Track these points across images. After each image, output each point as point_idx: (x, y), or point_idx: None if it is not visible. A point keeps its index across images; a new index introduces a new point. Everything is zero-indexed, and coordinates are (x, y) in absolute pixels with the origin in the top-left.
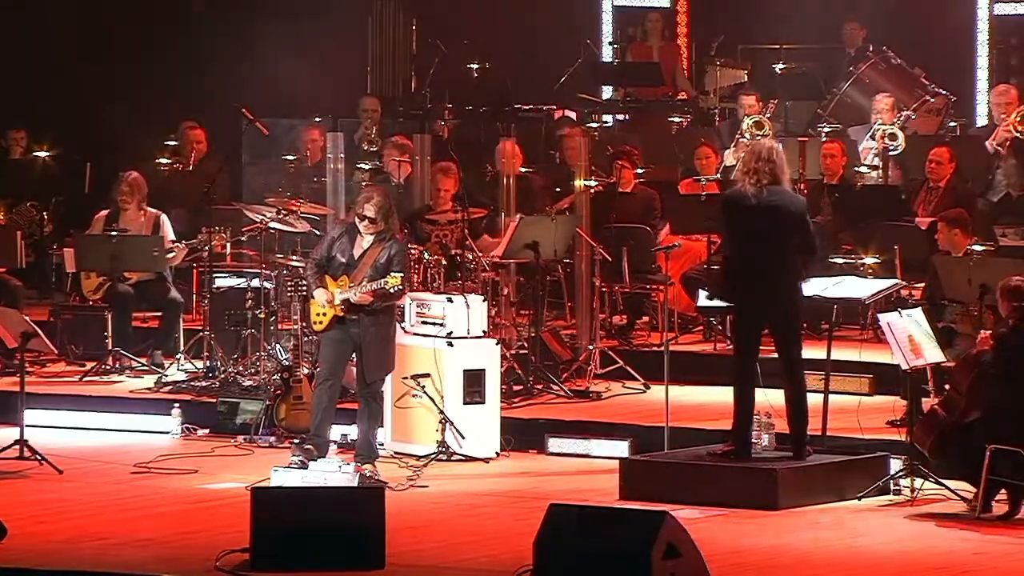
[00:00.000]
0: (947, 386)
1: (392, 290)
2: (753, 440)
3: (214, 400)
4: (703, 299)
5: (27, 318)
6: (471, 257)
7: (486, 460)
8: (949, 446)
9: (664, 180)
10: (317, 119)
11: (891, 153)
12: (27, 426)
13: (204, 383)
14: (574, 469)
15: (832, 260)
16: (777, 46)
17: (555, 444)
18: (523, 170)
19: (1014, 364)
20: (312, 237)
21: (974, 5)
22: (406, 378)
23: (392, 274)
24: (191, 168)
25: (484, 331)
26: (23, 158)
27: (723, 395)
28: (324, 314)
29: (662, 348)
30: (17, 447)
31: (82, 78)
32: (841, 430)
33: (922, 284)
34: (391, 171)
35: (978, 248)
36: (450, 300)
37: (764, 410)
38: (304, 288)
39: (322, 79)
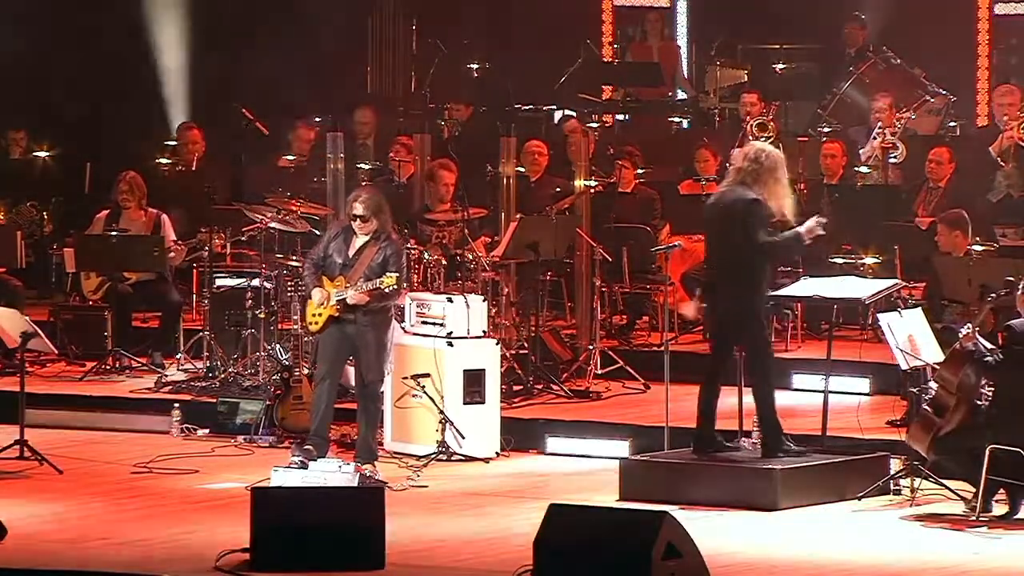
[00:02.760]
0: (934, 384)
1: (387, 290)
2: (754, 440)
3: (214, 400)
4: None
5: (27, 318)
6: (471, 257)
7: (486, 460)
8: (948, 445)
9: (664, 180)
10: (317, 119)
11: (891, 161)
12: (27, 426)
13: (204, 383)
14: (574, 469)
15: (832, 260)
16: (777, 46)
17: (555, 444)
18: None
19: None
20: (312, 237)
21: (974, 5)
22: (406, 378)
23: (388, 274)
24: (191, 168)
25: (484, 331)
26: (23, 158)
27: (723, 395)
28: (320, 314)
29: (662, 348)
30: (17, 447)
31: (82, 78)
32: (841, 430)
33: (922, 284)
34: (394, 168)
35: (978, 248)
36: (450, 300)
37: None
38: (304, 288)
39: (322, 79)
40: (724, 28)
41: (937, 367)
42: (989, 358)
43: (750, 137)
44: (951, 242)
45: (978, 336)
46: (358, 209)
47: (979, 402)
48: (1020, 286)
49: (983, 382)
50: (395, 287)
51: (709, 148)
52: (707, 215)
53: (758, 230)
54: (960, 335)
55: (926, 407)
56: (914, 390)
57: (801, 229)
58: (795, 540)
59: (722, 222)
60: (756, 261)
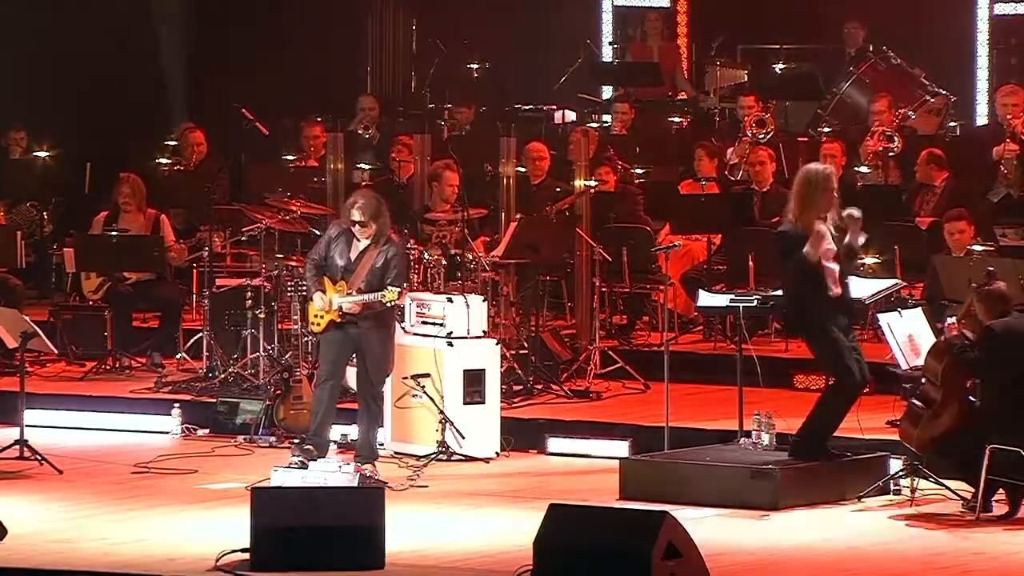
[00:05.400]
0: (923, 379)
1: (388, 303)
2: (753, 440)
3: (214, 400)
4: (703, 299)
5: (27, 318)
6: (471, 257)
7: (486, 460)
8: (946, 447)
9: (664, 180)
10: (317, 119)
11: (889, 155)
12: (27, 426)
13: (204, 383)
14: (574, 469)
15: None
16: (777, 46)
17: (555, 444)
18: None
19: (1002, 359)
20: (312, 237)
21: (974, 5)
22: (406, 378)
23: (389, 288)
24: (191, 168)
25: (484, 331)
26: (23, 158)
27: (723, 395)
28: (321, 317)
29: (662, 348)
30: (17, 447)
31: (83, 78)
32: (841, 430)
33: (922, 284)
34: (394, 168)
35: (978, 248)
36: (450, 300)
37: (764, 410)
38: (304, 288)
39: (322, 79)
40: (724, 28)
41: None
42: (969, 353)
43: (749, 134)
44: (958, 239)
45: (963, 329)
46: (356, 215)
47: (972, 399)
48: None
49: (969, 379)
50: (395, 301)
51: (709, 148)
52: None
53: (786, 259)
54: (945, 325)
55: (914, 400)
56: (907, 386)
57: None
58: (795, 540)
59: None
60: (799, 282)
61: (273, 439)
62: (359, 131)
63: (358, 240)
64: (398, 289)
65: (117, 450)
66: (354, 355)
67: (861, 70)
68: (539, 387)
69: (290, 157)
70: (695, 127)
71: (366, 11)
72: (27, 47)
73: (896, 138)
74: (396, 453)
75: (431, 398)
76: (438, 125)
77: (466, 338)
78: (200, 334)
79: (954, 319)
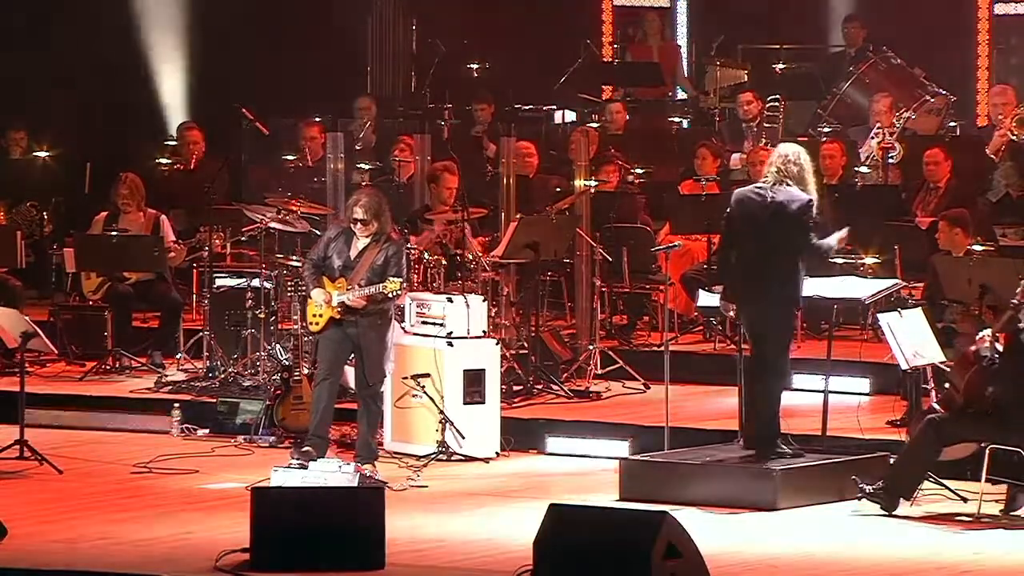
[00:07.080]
0: (947, 384)
1: (391, 295)
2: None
3: (214, 400)
4: (703, 299)
5: (27, 318)
6: (471, 257)
7: (486, 460)
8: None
9: (664, 180)
10: (317, 119)
11: (890, 161)
12: (27, 426)
13: (204, 383)
14: (574, 469)
15: (832, 260)
16: (777, 46)
17: (555, 444)
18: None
19: None
20: (312, 237)
21: (974, 5)
22: (406, 378)
23: (391, 279)
24: (191, 168)
25: (484, 331)
26: (23, 158)
27: (723, 395)
28: (320, 315)
29: (662, 348)
30: (17, 447)
31: (83, 78)
32: (841, 430)
33: (922, 284)
34: (394, 168)
35: (978, 248)
36: (450, 300)
37: None
38: (304, 288)
39: (322, 79)
40: (724, 28)
41: (941, 367)
42: (995, 364)
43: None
44: (951, 240)
45: (995, 342)
46: (358, 213)
47: (987, 411)
48: None
49: (989, 389)
50: (398, 292)
51: (709, 148)
52: (745, 211)
53: (811, 231)
54: (976, 337)
55: (934, 404)
56: (931, 391)
57: (832, 241)
58: (795, 540)
59: (771, 220)
60: (801, 260)
61: (273, 439)
62: (357, 133)
63: (357, 239)
64: (400, 279)
65: (117, 450)
66: (352, 354)
67: (861, 70)
68: (539, 387)
69: (290, 157)
70: (695, 127)
71: (366, 11)
72: (27, 47)
73: (898, 146)
74: (396, 453)
75: (431, 398)
76: (438, 125)
77: (466, 338)
78: (200, 334)
79: (988, 332)
